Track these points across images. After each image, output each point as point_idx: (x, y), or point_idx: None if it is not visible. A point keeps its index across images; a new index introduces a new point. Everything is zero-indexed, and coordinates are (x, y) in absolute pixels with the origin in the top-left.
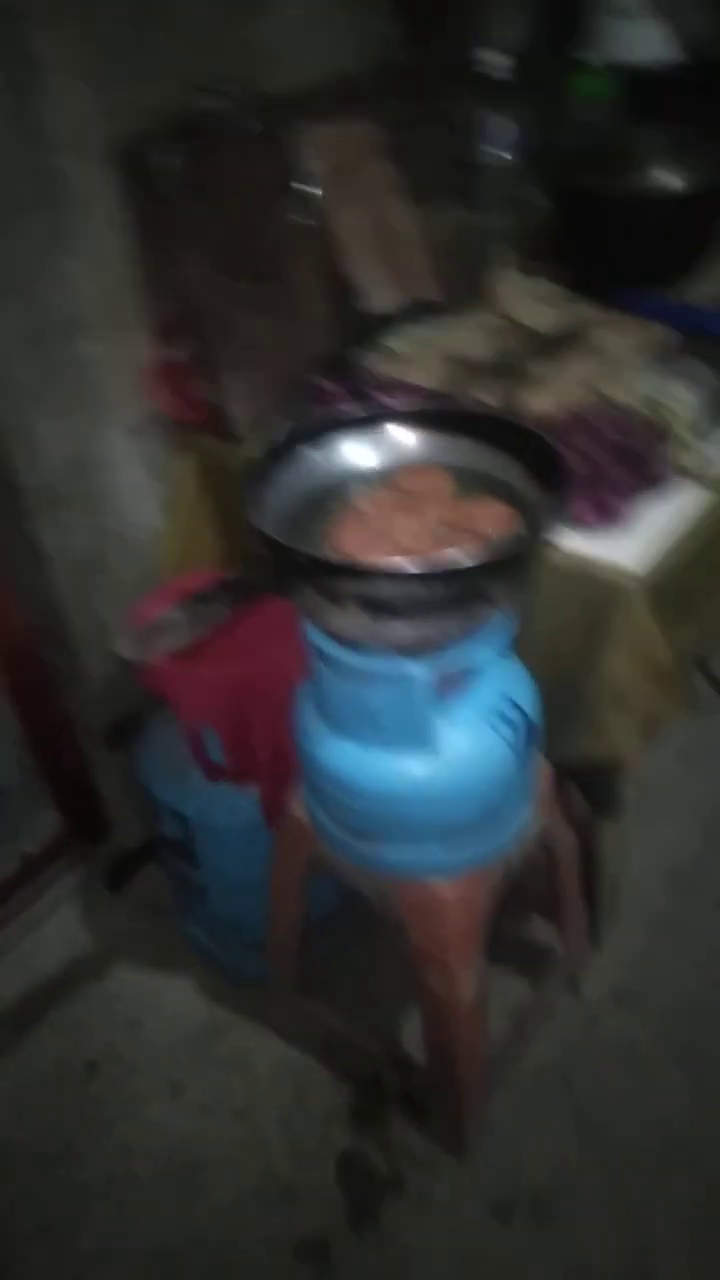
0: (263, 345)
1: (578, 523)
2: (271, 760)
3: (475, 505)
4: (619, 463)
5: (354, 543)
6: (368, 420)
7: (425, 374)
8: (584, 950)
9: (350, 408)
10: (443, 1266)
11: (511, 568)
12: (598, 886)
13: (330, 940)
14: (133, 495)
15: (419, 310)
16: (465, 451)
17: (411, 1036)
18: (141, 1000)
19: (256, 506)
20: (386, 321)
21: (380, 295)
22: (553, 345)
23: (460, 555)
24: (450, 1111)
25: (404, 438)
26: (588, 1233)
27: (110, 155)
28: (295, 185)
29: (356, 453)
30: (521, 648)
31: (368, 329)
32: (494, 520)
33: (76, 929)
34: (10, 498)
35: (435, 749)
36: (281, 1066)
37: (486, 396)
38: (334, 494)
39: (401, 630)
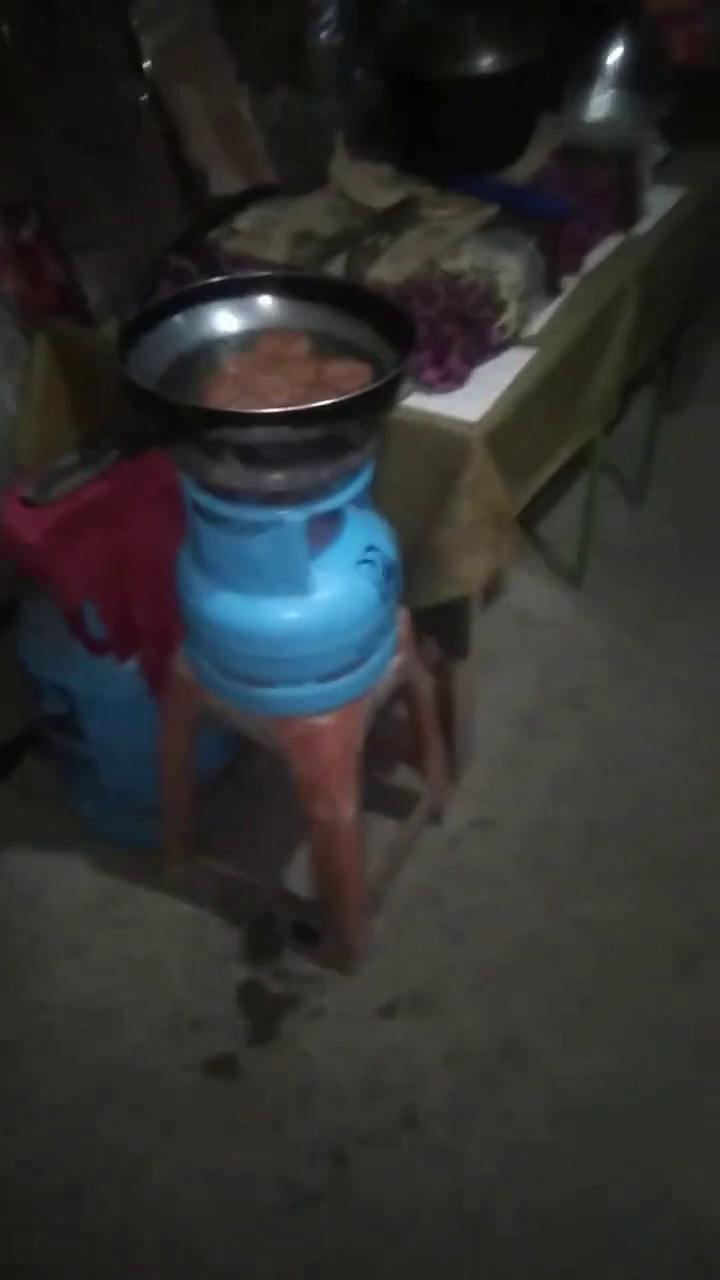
0: (113, 224)
1: (423, 384)
2: (152, 628)
3: (332, 364)
4: (457, 326)
5: (224, 400)
6: (227, 289)
7: (273, 250)
8: (445, 785)
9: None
10: (338, 1061)
11: (367, 410)
12: (454, 727)
13: (217, 799)
14: None
15: (261, 192)
16: (320, 317)
17: (296, 876)
18: (37, 877)
19: (131, 366)
20: (232, 204)
21: (221, 178)
22: (390, 221)
23: (323, 400)
24: (337, 932)
25: (262, 306)
26: (463, 1020)
27: None
28: (132, 60)
29: (218, 320)
30: (379, 501)
31: (214, 211)
32: (350, 376)
33: None
34: None
35: (310, 593)
36: (178, 920)
37: (333, 268)
38: (200, 359)
39: (275, 478)
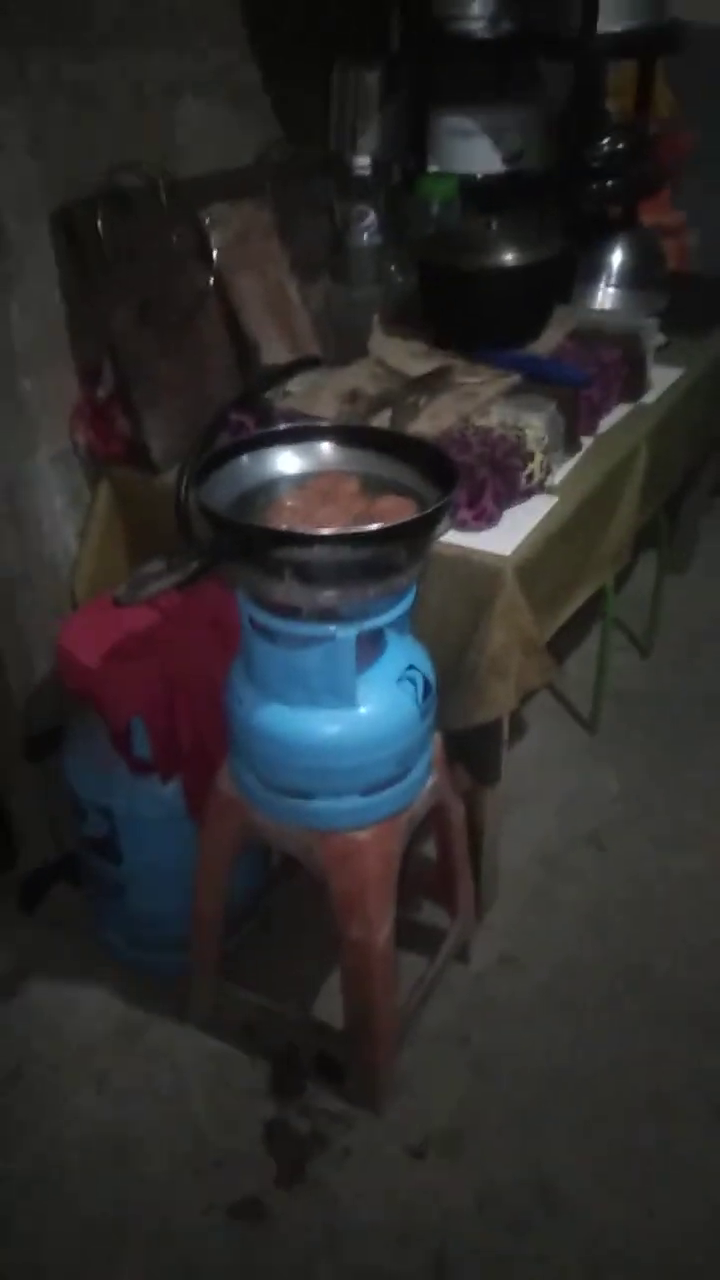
0: (175, 387)
1: (459, 523)
2: (196, 749)
3: (381, 499)
4: (490, 471)
5: (285, 523)
6: (287, 436)
7: (322, 407)
8: (471, 920)
9: (255, 433)
10: (368, 1205)
11: (414, 536)
12: (481, 858)
13: (245, 929)
14: (53, 519)
15: (307, 364)
16: (369, 461)
17: (324, 1006)
18: (61, 1007)
19: (201, 496)
20: (281, 372)
21: (273, 350)
22: (426, 385)
23: (376, 525)
24: (366, 1065)
25: (317, 451)
26: (493, 1161)
27: (48, 216)
28: (202, 253)
29: (277, 462)
30: (417, 626)
31: (266, 378)
32: (397, 509)
33: None
34: None
35: (356, 706)
36: (203, 1052)
37: (377, 422)
38: (260, 494)
39: (329, 596)
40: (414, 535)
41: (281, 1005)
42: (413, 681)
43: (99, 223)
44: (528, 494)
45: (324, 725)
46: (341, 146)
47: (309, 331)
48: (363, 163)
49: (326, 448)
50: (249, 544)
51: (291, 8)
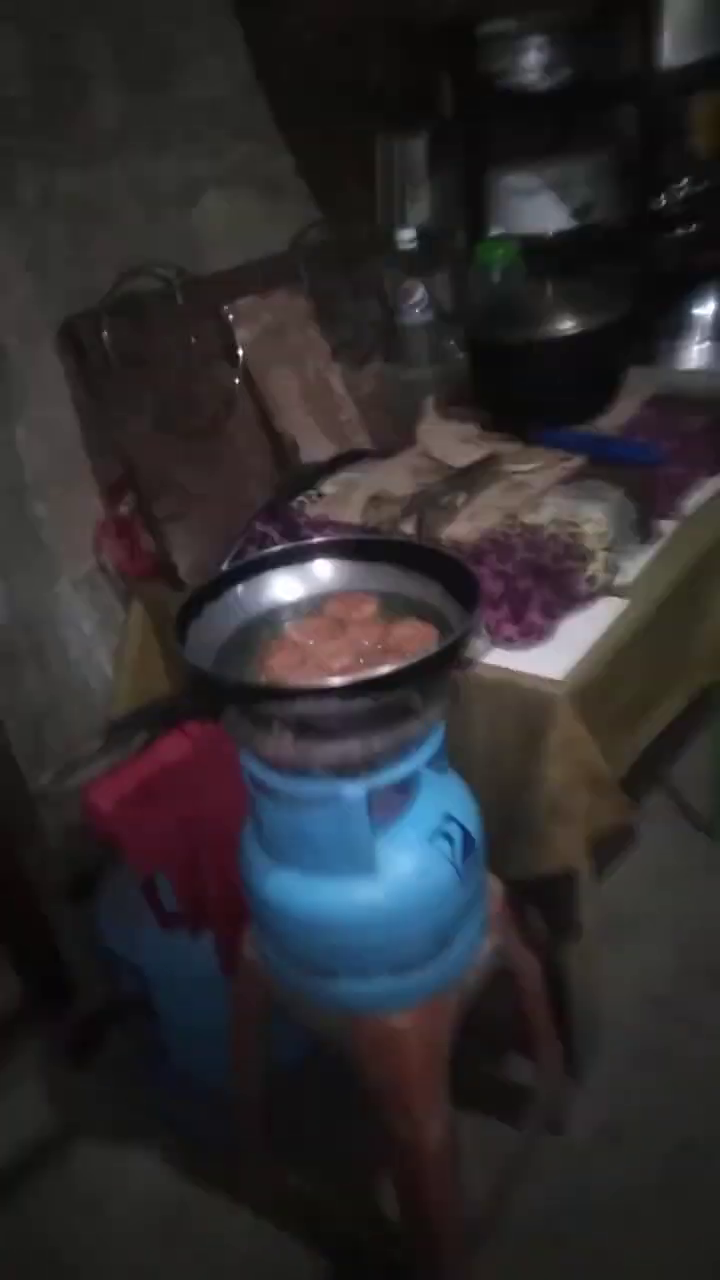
0: (203, 497)
1: (502, 639)
2: (225, 902)
3: (398, 626)
4: (535, 580)
5: (283, 668)
6: (295, 554)
7: (352, 511)
8: (563, 1085)
9: (279, 545)
10: None
11: (428, 677)
12: (571, 1014)
13: (300, 1096)
14: (82, 645)
15: (351, 458)
16: (388, 578)
17: (391, 1194)
18: (105, 1179)
19: (187, 641)
20: (321, 469)
21: (313, 447)
22: (469, 478)
23: (377, 668)
24: (431, 1274)
25: (330, 569)
26: None
27: (52, 334)
28: (227, 351)
29: (286, 586)
30: (461, 763)
31: (304, 477)
32: (414, 638)
33: (37, 1102)
34: None
35: (376, 872)
36: (256, 1243)
37: (407, 527)
38: (264, 626)
39: (330, 750)
40: (422, 676)
41: (340, 1196)
42: (449, 838)
43: (104, 333)
44: (589, 599)
45: (340, 896)
46: (388, 221)
47: (356, 422)
48: (409, 236)
49: (341, 564)
50: (222, 698)
51: (324, 85)
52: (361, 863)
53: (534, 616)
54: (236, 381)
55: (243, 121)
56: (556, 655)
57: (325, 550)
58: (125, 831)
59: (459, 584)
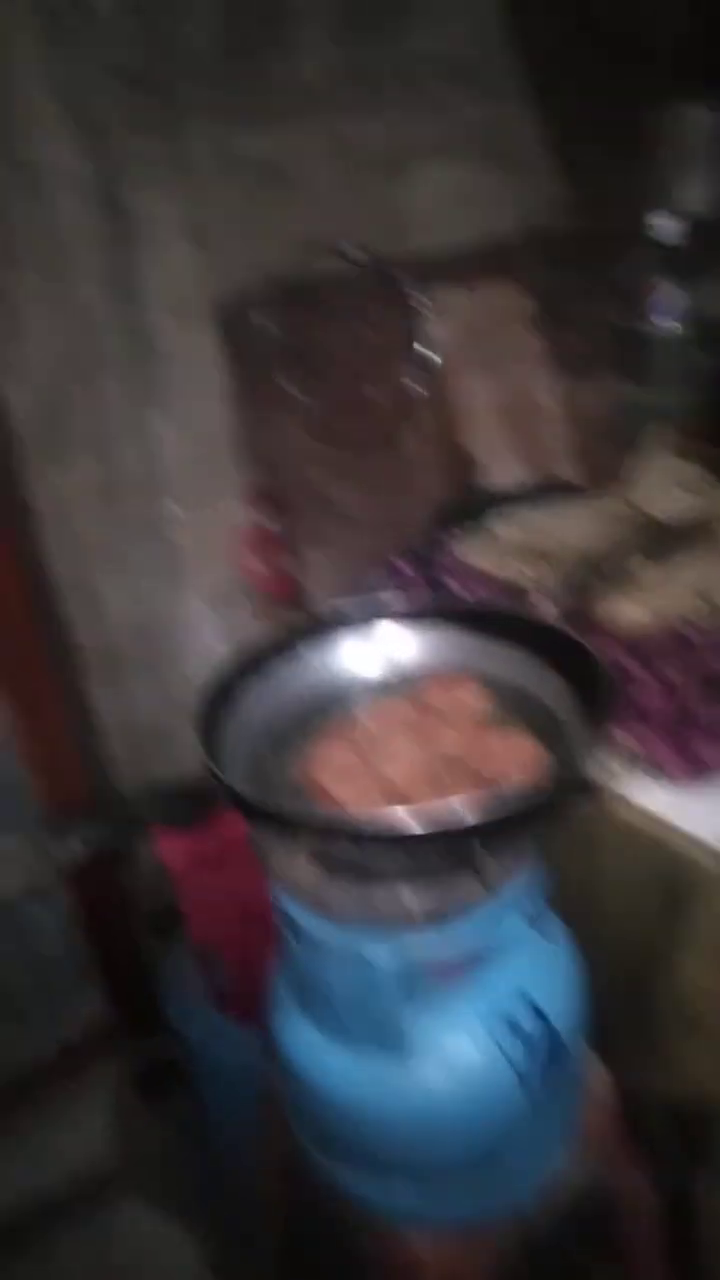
0: (358, 519)
1: (658, 771)
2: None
3: (498, 737)
4: (706, 695)
5: (331, 769)
6: (400, 614)
7: (512, 564)
8: None
9: (417, 595)
10: None
11: (508, 832)
12: (700, 1257)
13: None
14: (206, 662)
15: (548, 490)
16: (507, 662)
17: None
18: (141, 1242)
19: (209, 719)
20: (495, 498)
21: (503, 471)
22: (669, 538)
23: (435, 812)
24: None
25: (437, 638)
26: None
27: (212, 314)
28: (416, 350)
29: (369, 650)
30: (582, 926)
31: (472, 505)
32: (515, 761)
33: (99, 1130)
34: (66, 659)
35: (406, 1052)
36: None
37: (570, 596)
38: (339, 698)
39: (359, 894)
40: (493, 833)
41: None
42: (519, 1031)
43: (269, 321)
44: None
45: (359, 1068)
46: (652, 207)
47: (563, 446)
48: (675, 226)
49: (450, 635)
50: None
51: (591, 36)
52: (388, 1038)
53: (705, 749)
54: (420, 389)
55: (480, 78)
56: None
57: (432, 615)
58: (188, 894)
59: (592, 687)
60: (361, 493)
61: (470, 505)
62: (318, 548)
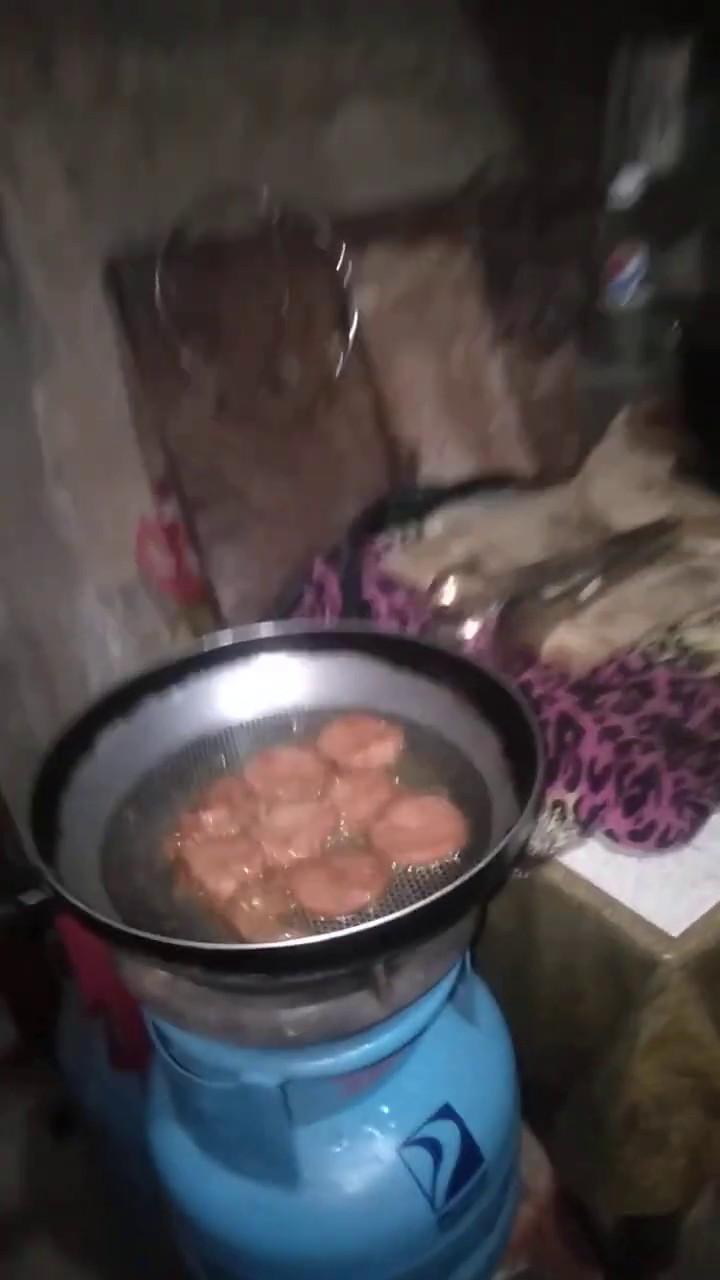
0: (272, 512)
1: (606, 837)
2: None
3: (407, 804)
4: (673, 751)
5: (206, 848)
6: (299, 641)
7: (444, 576)
8: None
9: (324, 615)
10: None
11: (409, 943)
12: None
13: None
14: (107, 671)
15: (492, 485)
16: (429, 705)
17: None
18: None
19: (45, 789)
20: (436, 495)
21: (441, 460)
22: (629, 551)
23: (306, 942)
24: None
25: (348, 671)
26: None
27: (98, 274)
28: (341, 320)
29: (274, 683)
30: (519, 1006)
31: (417, 502)
32: (426, 837)
33: (7, 1164)
34: None
35: (298, 1184)
36: None
37: (509, 619)
38: (219, 746)
39: (234, 1014)
40: (390, 944)
41: None
42: (435, 1149)
43: (167, 282)
44: None
45: (243, 1198)
46: (614, 161)
47: (514, 434)
48: (637, 184)
49: (358, 666)
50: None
51: None
52: (274, 1164)
53: (658, 811)
54: (341, 361)
55: (420, 8)
56: (686, 885)
57: (338, 643)
58: (75, 945)
59: (521, 740)
60: (277, 483)
61: (403, 501)
62: (226, 545)
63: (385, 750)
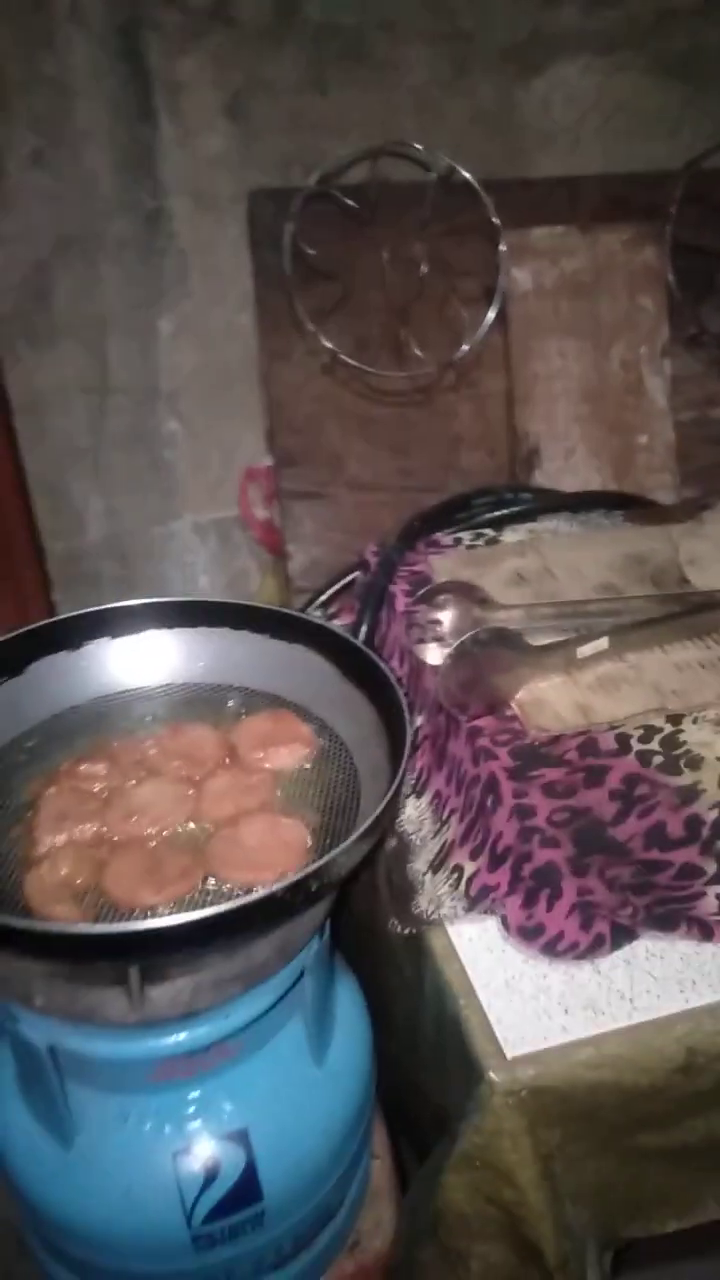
0: (367, 483)
1: (500, 917)
2: None
3: (263, 817)
4: (584, 851)
5: (60, 792)
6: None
7: (489, 582)
8: None
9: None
10: None
11: (154, 950)
12: None
13: None
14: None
15: (610, 501)
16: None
17: None
18: None
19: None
20: (551, 504)
21: (565, 465)
22: (681, 616)
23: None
24: None
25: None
26: None
27: (242, 209)
28: (487, 295)
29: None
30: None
31: (494, 503)
32: (254, 854)
33: None
34: (33, 565)
35: (69, 1142)
36: None
37: (495, 655)
38: (107, 716)
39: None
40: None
41: None
42: (209, 1168)
43: (309, 230)
44: (705, 929)
45: (36, 1146)
46: None
47: (663, 454)
48: None
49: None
50: None
51: None
52: (53, 1121)
53: (549, 916)
54: (477, 339)
55: None
56: (556, 1007)
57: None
58: None
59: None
60: (378, 455)
61: (503, 500)
62: (308, 506)
63: (289, 756)
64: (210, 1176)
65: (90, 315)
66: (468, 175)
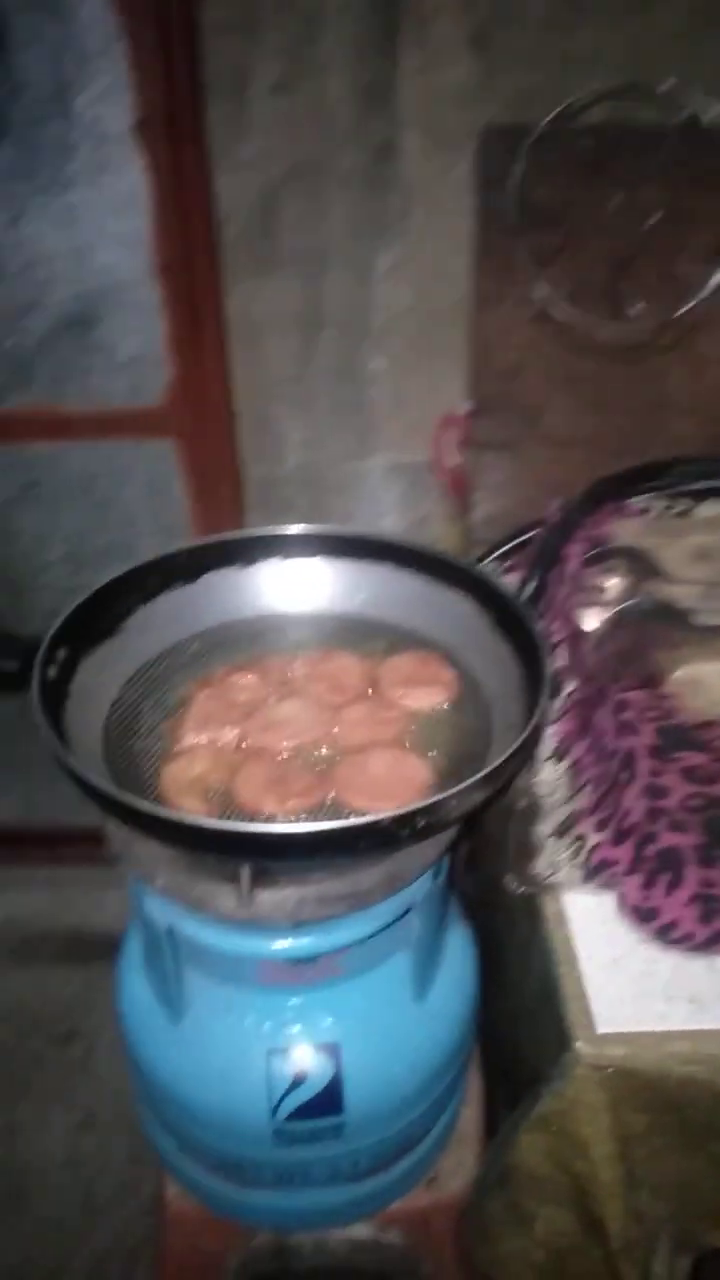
0: (563, 438)
1: (618, 893)
2: None
3: (392, 751)
4: (713, 842)
5: (212, 696)
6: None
7: (673, 557)
8: None
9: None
10: None
11: (268, 854)
12: None
13: None
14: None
15: None
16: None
17: None
18: None
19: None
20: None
21: None
22: None
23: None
24: None
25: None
26: None
27: (473, 146)
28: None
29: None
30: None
31: (700, 474)
32: (377, 784)
33: None
34: (232, 486)
35: (180, 1017)
36: None
37: (661, 631)
38: (259, 636)
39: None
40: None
41: None
42: (298, 1071)
43: (539, 172)
44: None
45: (151, 1017)
46: None
47: None
48: None
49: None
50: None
51: None
52: (168, 997)
53: (668, 901)
54: (705, 296)
55: None
56: (658, 994)
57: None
58: None
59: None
60: (579, 410)
61: (707, 471)
62: (498, 457)
63: (428, 698)
64: (298, 1080)
65: (311, 246)
66: None
